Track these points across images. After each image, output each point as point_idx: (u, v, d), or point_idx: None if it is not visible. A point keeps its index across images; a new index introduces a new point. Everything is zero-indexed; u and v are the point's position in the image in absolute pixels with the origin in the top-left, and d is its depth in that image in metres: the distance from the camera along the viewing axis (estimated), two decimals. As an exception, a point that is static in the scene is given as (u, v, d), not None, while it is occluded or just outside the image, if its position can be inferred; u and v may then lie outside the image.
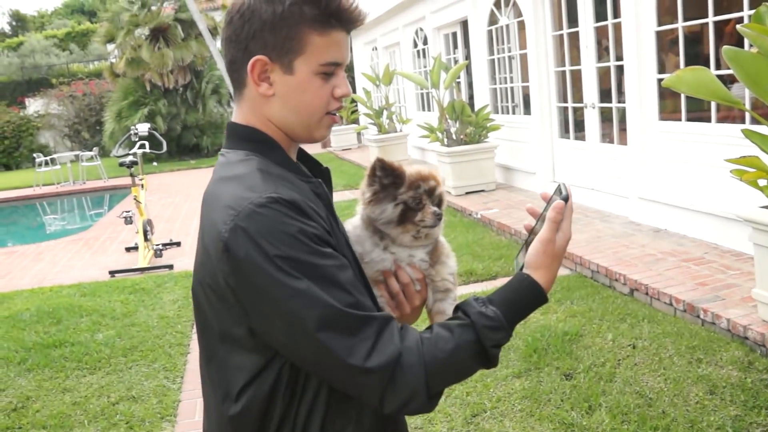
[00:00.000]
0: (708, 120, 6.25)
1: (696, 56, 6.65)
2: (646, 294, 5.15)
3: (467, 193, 9.78)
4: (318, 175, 1.47)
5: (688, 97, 6.37)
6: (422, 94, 14.87)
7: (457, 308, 1.34)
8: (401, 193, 1.44)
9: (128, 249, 9.33)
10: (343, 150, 18.82)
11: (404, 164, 1.51)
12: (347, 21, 1.34)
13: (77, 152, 20.80)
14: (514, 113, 10.45)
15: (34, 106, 27.05)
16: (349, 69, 22.26)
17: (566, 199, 1.35)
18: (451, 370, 1.27)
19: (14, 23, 45.30)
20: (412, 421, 3.80)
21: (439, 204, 1.48)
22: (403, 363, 1.21)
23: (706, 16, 6.02)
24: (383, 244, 1.47)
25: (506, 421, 3.71)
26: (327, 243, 1.25)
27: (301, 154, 1.52)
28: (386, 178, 1.45)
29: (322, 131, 1.41)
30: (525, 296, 1.32)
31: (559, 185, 1.39)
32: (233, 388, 1.30)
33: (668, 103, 6.95)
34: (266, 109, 1.37)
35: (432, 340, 1.25)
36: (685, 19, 6.34)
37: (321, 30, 1.31)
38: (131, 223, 9.11)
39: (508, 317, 1.29)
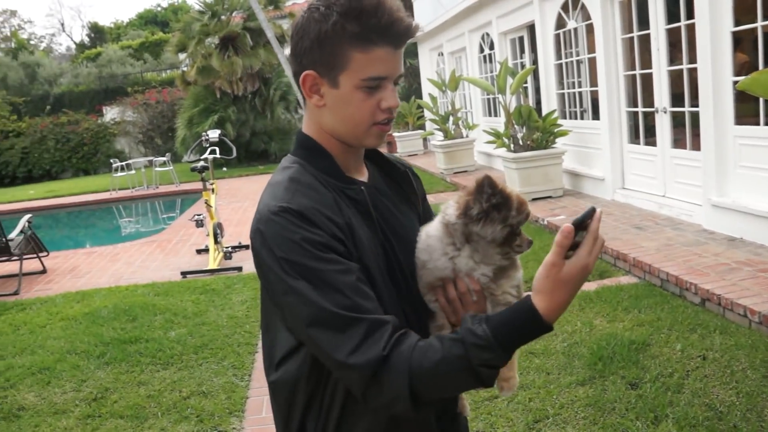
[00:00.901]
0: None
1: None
2: (719, 304, 4.97)
3: (534, 199, 9.65)
4: (397, 176, 1.65)
5: (766, 101, 6.14)
6: (488, 100, 14.75)
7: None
8: (512, 217, 1.43)
9: (199, 251, 9.57)
10: (409, 155, 18.81)
11: (476, 175, 1.53)
12: (391, 37, 1.39)
13: (151, 158, 21.36)
14: (582, 118, 10.26)
15: (110, 113, 27.94)
16: (415, 75, 22.33)
17: (579, 223, 1.29)
18: (436, 381, 1.30)
19: (92, 35, 46.92)
20: (474, 424, 3.76)
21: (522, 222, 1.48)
22: (390, 366, 1.29)
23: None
24: (452, 254, 1.45)
25: (568, 428, 3.64)
26: (331, 249, 1.36)
27: (378, 156, 1.65)
28: (494, 197, 1.42)
29: (371, 140, 1.49)
30: (519, 319, 1.30)
31: (592, 208, 1.33)
32: (275, 358, 1.52)
33: (745, 107, 6.70)
34: (320, 119, 1.50)
35: (423, 349, 1.31)
36: (765, 18, 6.11)
37: (362, 47, 1.38)
38: (202, 226, 9.32)
39: (499, 338, 1.27)
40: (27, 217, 9.19)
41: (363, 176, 1.58)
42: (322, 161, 1.50)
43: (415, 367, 1.28)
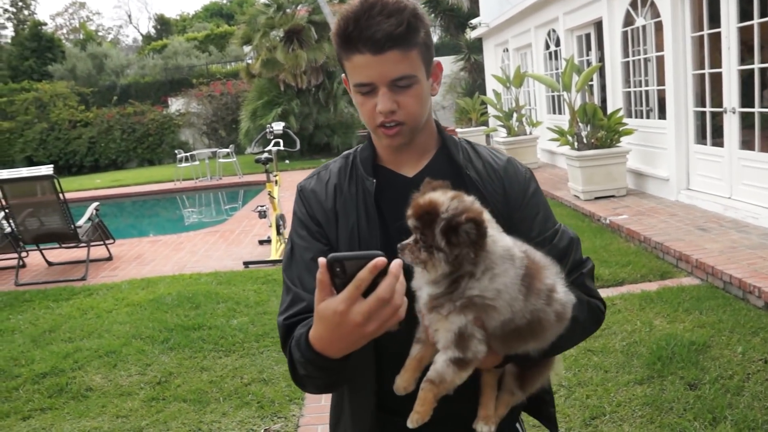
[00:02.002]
0: None
1: None
2: (783, 308, 4.91)
3: (596, 198, 9.58)
4: (465, 180, 1.58)
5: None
6: (553, 97, 14.64)
7: None
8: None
9: (261, 242, 9.68)
10: (471, 152, 18.70)
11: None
12: (366, 43, 1.43)
13: (214, 149, 21.71)
14: (648, 117, 10.13)
15: (175, 105, 28.38)
16: (480, 70, 22.21)
17: (333, 261, 1.16)
18: (291, 361, 1.46)
19: (159, 27, 47.86)
20: (531, 421, 3.80)
21: (420, 238, 1.32)
22: (287, 336, 1.49)
23: None
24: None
25: (625, 426, 3.66)
26: (306, 227, 1.61)
27: (448, 152, 1.65)
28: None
29: (382, 140, 1.57)
30: (304, 334, 1.37)
31: (370, 254, 1.17)
32: None
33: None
34: None
35: (300, 328, 1.47)
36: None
37: (346, 56, 1.48)
38: (265, 217, 9.44)
39: (301, 345, 1.38)
40: (94, 205, 9.42)
41: (414, 170, 1.62)
42: (365, 151, 1.66)
43: (292, 341, 1.45)
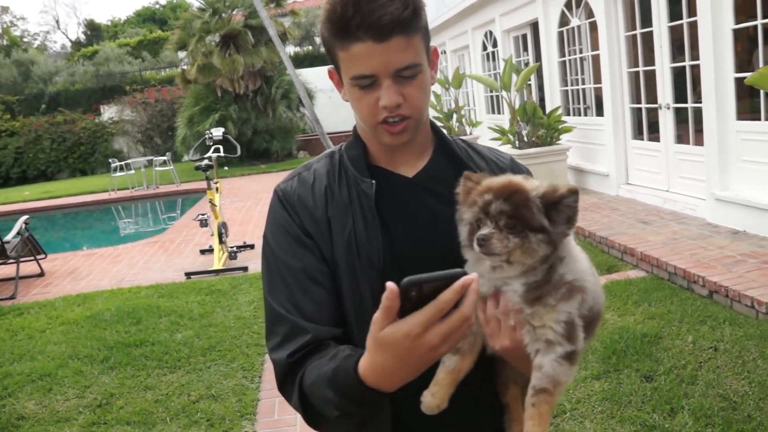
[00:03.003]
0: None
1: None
2: (727, 296, 5.07)
3: (539, 195, 9.73)
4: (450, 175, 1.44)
5: (766, 96, 6.25)
6: (492, 97, 14.85)
7: None
8: (464, 212, 1.27)
9: (203, 251, 9.46)
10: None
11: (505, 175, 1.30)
12: (369, 29, 1.26)
13: (150, 157, 21.23)
14: (586, 115, 10.36)
15: (108, 112, 27.58)
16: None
17: (409, 286, 1.03)
18: (312, 401, 1.30)
19: (89, 33, 46.69)
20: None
21: (507, 224, 1.19)
22: (293, 374, 1.34)
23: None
24: (475, 269, 1.22)
25: (586, 422, 3.73)
26: (294, 237, 1.42)
27: (449, 151, 1.51)
28: (463, 194, 1.30)
29: (384, 138, 1.38)
30: (348, 369, 1.19)
31: (456, 272, 1.06)
32: None
33: (746, 103, 6.81)
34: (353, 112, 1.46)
35: (314, 364, 1.30)
36: (765, 16, 6.21)
37: (341, 45, 1.30)
38: (206, 226, 9.23)
39: (336, 382, 1.21)
40: (23, 218, 9.00)
41: (413, 170, 1.47)
42: (354, 150, 1.47)
43: (304, 381, 1.30)
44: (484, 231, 1.18)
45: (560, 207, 1.19)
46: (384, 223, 1.39)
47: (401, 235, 1.40)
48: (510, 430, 1.42)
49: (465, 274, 1.05)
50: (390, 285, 1.04)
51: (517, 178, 1.24)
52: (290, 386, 1.34)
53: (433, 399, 1.24)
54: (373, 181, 1.40)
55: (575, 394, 4.02)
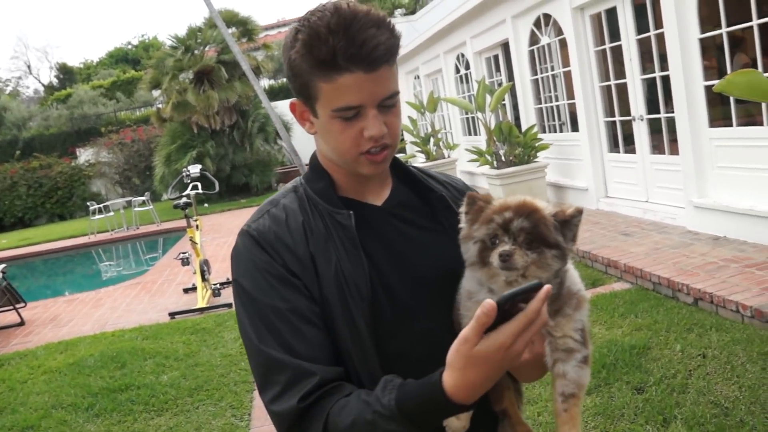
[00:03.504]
0: (760, 124, 6.18)
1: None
2: (711, 302, 5.09)
3: (519, 213, 9.75)
4: (433, 200, 1.50)
5: (737, 103, 6.33)
6: (467, 119, 14.93)
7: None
8: (475, 230, 1.30)
9: (186, 290, 9.38)
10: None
11: (506, 196, 1.38)
12: (359, 60, 1.24)
13: (129, 198, 21.16)
14: (561, 131, 10.44)
15: (84, 155, 27.47)
16: (393, 98, 22.43)
17: (512, 297, 1.09)
18: None
19: (61, 76, 46.54)
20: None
21: (525, 240, 1.25)
22: (308, 421, 1.26)
23: (750, 20, 5.98)
24: (488, 285, 1.30)
25: (581, 437, 3.70)
26: (278, 278, 1.34)
27: (410, 177, 1.54)
28: (472, 213, 1.33)
29: (364, 169, 1.37)
30: (425, 394, 1.18)
31: (537, 282, 1.13)
32: None
33: (717, 111, 6.90)
34: (318, 144, 1.45)
35: (340, 406, 1.25)
36: (729, 25, 6.30)
37: (325, 77, 1.27)
38: (188, 264, 9.17)
39: (405, 411, 1.18)
40: (0, 267, 8.90)
41: (379, 198, 1.47)
42: (318, 183, 1.44)
43: (330, 425, 1.24)
44: (506, 247, 1.24)
45: (570, 225, 1.29)
46: (365, 252, 1.37)
47: (382, 263, 1.39)
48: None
49: (541, 285, 1.11)
50: (489, 302, 1.07)
51: (531, 199, 1.31)
52: None
53: (459, 422, 1.27)
54: (351, 212, 1.38)
55: (567, 411, 3.98)
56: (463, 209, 1.35)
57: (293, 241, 1.36)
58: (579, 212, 1.28)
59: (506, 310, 1.10)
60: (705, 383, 3.98)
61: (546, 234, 1.26)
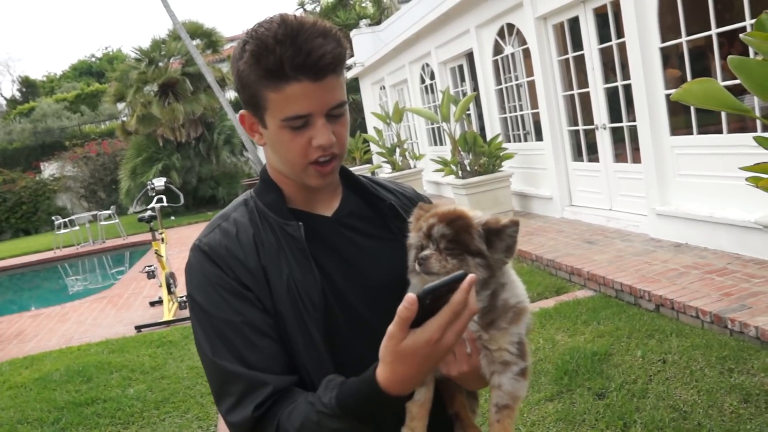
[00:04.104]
0: (720, 132, 6.27)
1: (702, 70, 6.71)
2: (672, 309, 5.13)
3: (485, 222, 9.78)
4: (382, 208, 1.52)
5: (697, 111, 6.41)
6: (433, 129, 14.98)
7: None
8: (411, 238, 1.34)
9: (152, 303, 9.40)
10: (359, 190, 18.87)
11: (452, 204, 1.39)
12: (307, 70, 1.26)
13: (95, 212, 20.96)
14: (526, 140, 10.50)
15: (49, 169, 27.28)
16: (359, 109, 22.50)
17: (432, 290, 1.09)
18: None
19: (24, 89, 45.97)
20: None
21: (446, 247, 1.27)
22: (265, 427, 1.28)
23: (710, 29, 6.07)
24: None
25: (542, 444, 3.70)
26: (231, 291, 1.35)
27: (359, 186, 1.55)
28: (415, 222, 1.37)
29: (312, 180, 1.39)
30: (362, 389, 1.21)
31: (461, 274, 1.13)
32: None
33: (679, 119, 6.98)
34: (268, 156, 1.46)
35: (289, 411, 1.27)
36: (689, 34, 6.39)
37: (273, 86, 1.28)
38: (154, 278, 9.15)
39: (345, 408, 1.21)
40: None
41: (329, 209, 1.49)
42: (268, 195, 1.45)
43: (281, 430, 1.26)
44: (425, 252, 1.26)
45: (502, 236, 1.28)
46: (316, 263, 1.38)
47: (334, 273, 1.41)
48: None
49: (466, 275, 1.12)
50: (409, 296, 1.08)
51: (464, 208, 1.32)
52: None
53: None
54: (300, 223, 1.39)
55: (529, 417, 3.99)
56: (412, 219, 1.37)
57: (244, 254, 1.37)
58: (514, 224, 1.28)
59: (434, 304, 1.11)
60: (664, 388, 4.00)
61: (468, 241, 1.27)
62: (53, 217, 20.15)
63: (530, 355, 1.32)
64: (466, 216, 1.30)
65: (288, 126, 1.31)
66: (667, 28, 6.74)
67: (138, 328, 8.08)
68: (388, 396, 1.18)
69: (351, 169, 1.60)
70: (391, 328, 1.13)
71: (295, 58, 1.24)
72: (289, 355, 1.35)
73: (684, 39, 6.42)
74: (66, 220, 19.67)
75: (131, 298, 10.27)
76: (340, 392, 1.23)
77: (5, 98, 51.04)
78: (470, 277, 1.12)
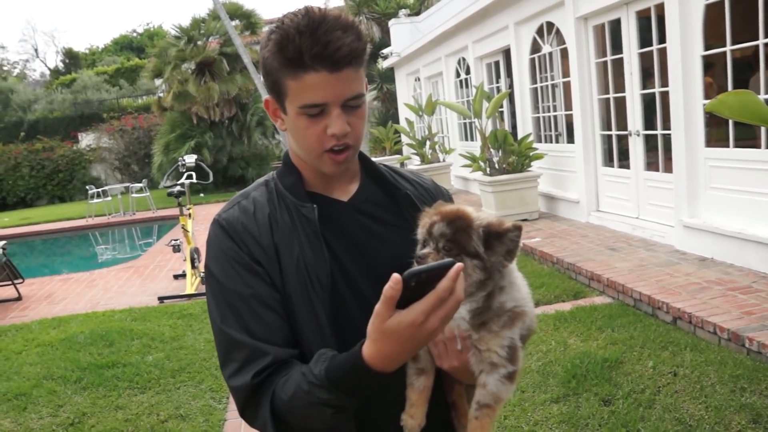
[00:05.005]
0: (757, 146, 6.13)
1: (743, 81, 6.55)
2: (690, 322, 5.04)
3: (510, 222, 9.71)
4: (398, 198, 1.57)
5: (736, 124, 6.27)
6: (465, 124, 14.90)
7: None
8: (417, 232, 1.38)
9: (176, 276, 9.58)
10: (387, 181, 18.88)
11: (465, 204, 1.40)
12: (324, 61, 1.32)
13: (127, 184, 21.28)
14: (557, 142, 10.39)
15: (86, 140, 27.90)
16: (392, 100, 22.48)
17: (418, 274, 1.13)
18: (293, 412, 1.34)
19: (67, 61, 46.73)
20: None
21: (445, 246, 1.30)
22: (260, 394, 1.37)
23: (757, 39, 5.93)
24: None
25: (543, 446, 3.67)
26: (243, 265, 1.43)
27: (378, 175, 1.61)
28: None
29: (327, 167, 1.45)
30: (349, 363, 1.26)
31: (449, 261, 1.16)
32: None
33: (715, 130, 6.84)
34: (289, 140, 1.53)
35: (284, 380, 1.35)
36: (734, 43, 6.26)
37: (293, 75, 1.34)
38: (179, 251, 9.37)
39: (333, 380, 1.27)
40: (1, 243, 9.15)
41: (346, 194, 1.55)
42: (288, 178, 1.52)
43: (276, 397, 1.34)
44: (424, 250, 1.30)
45: (503, 239, 1.29)
46: (327, 245, 1.44)
47: (344, 255, 1.47)
48: (457, 423, 1.51)
49: (454, 263, 1.14)
50: (395, 276, 1.12)
51: (468, 208, 1.34)
52: (255, 407, 1.38)
53: (413, 420, 1.36)
54: (315, 206, 1.46)
55: (533, 417, 3.96)
56: (421, 215, 1.40)
57: (259, 231, 1.45)
58: (516, 228, 1.30)
59: (421, 288, 1.14)
60: (672, 400, 3.94)
61: (465, 243, 1.29)
62: (87, 187, 20.58)
63: (521, 360, 1.33)
64: (468, 216, 1.31)
65: (305, 113, 1.37)
66: (712, 36, 6.59)
67: (161, 299, 8.28)
68: (372, 371, 1.23)
69: (380, 158, 1.63)
70: (377, 306, 1.17)
71: (313, 49, 1.31)
72: (293, 330, 1.42)
73: (728, 48, 6.27)
74: (99, 190, 20.05)
75: (156, 270, 10.50)
76: (330, 365, 1.28)
77: (49, 68, 51.90)
78: (457, 265, 1.14)
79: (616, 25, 8.26)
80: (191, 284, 8.46)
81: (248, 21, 22.39)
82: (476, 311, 1.30)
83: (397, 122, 19.55)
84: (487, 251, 1.29)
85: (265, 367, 1.36)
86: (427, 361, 1.38)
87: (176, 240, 9.37)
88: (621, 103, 8.40)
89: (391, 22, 19.55)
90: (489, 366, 1.31)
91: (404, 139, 16.66)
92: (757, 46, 5.99)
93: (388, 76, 22.56)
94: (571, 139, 9.69)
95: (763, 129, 5.93)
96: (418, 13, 21.89)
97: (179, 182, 9.24)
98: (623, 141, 8.49)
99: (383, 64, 22.35)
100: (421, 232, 1.35)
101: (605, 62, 8.68)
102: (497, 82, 12.84)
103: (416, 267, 1.15)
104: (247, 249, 1.43)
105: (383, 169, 1.62)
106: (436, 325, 1.17)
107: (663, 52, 7.20)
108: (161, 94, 23.97)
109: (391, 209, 1.57)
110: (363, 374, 1.24)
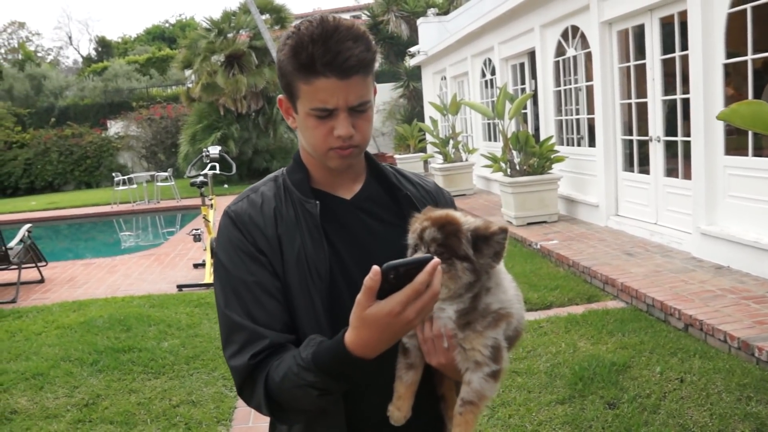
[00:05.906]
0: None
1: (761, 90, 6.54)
2: (701, 330, 5.06)
3: (529, 223, 9.75)
4: (399, 198, 1.64)
5: (756, 132, 6.25)
6: (489, 124, 14.91)
7: None
8: (408, 237, 1.42)
9: (196, 265, 9.67)
10: (409, 178, 18.90)
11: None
12: (335, 68, 1.40)
13: (153, 173, 21.55)
14: (579, 145, 10.38)
15: (114, 127, 28.25)
16: (418, 98, 22.48)
17: (397, 267, 1.20)
18: (284, 394, 1.42)
19: (100, 49, 47.26)
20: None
21: (437, 251, 1.34)
22: (256, 375, 1.45)
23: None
24: None
25: (545, 446, 3.72)
26: (248, 254, 1.52)
27: (381, 175, 1.68)
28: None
29: (332, 162, 1.53)
30: (333, 348, 1.33)
31: (427, 257, 1.23)
32: None
33: (735, 139, 6.83)
34: (300, 137, 1.61)
35: (278, 362, 1.43)
36: (755, 52, 6.25)
37: (305, 79, 1.43)
38: (200, 241, 9.49)
39: (319, 364, 1.34)
40: (27, 226, 9.30)
41: (350, 192, 1.63)
42: (296, 174, 1.61)
43: (269, 378, 1.42)
44: (416, 255, 1.34)
45: (490, 242, 1.35)
46: (328, 240, 1.53)
47: (343, 250, 1.55)
48: (446, 416, 1.57)
49: (432, 258, 1.22)
50: (374, 267, 1.20)
51: (456, 213, 1.41)
52: (251, 387, 1.46)
53: (400, 412, 1.44)
54: (317, 202, 1.55)
55: (538, 417, 4.01)
56: (411, 220, 1.45)
57: (264, 223, 1.54)
58: (502, 231, 1.36)
59: (401, 281, 1.21)
60: (677, 406, 3.97)
61: (456, 246, 1.34)
62: (114, 174, 20.90)
63: (506, 360, 1.39)
64: (457, 222, 1.37)
65: (314, 115, 1.46)
66: (734, 44, 6.58)
67: (180, 287, 8.38)
68: (353, 357, 1.30)
69: (403, 155, 1.70)
70: (359, 295, 1.25)
71: (324, 57, 1.39)
72: (291, 318, 1.51)
73: (750, 57, 6.27)
74: (125, 177, 20.32)
75: (177, 258, 10.61)
76: (317, 350, 1.36)
77: (82, 56, 52.50)
78: (434, 260, 1.22)
79: (639, 30, 8.26)
80: (210, 273, 8.52)
81: (278, 15, 22.53)
82: (462, 311, 1.36)
83: (423, 120, 19.59)
84: (475, 254, 1.34)
85: (262, 349, 1.44)
86: (417, 357, 1.44)
87: (197, 230, 9.52)
88: (642, 109, 8.39)
89: (420, 21, 19.58)
90: (474, 364, 1.37)
91: (428, 137, 16.69)
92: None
93: (415, 74, 22.58)
94: (592, 142, 9.69)
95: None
96: (446, 13, 21.89)
97: (202, 173, 9.35)
98: (644, 146, 8.48)
99: (410, 63, 22.38)
100: (411, 237, 1.40)
101: (628, 67, 8.67)
102: (522, 83, 12.84)
103: (395, 261, 1.21)
104: (253, 239, 1.52)
105: (388, 170, 1.70)
106: (412, 316, 1.24)
107: (685, 59, 7.19)
108: (190, 85, 24.20)
109: (391, 209, 1.64)
110: (345, 359, 1.31)
